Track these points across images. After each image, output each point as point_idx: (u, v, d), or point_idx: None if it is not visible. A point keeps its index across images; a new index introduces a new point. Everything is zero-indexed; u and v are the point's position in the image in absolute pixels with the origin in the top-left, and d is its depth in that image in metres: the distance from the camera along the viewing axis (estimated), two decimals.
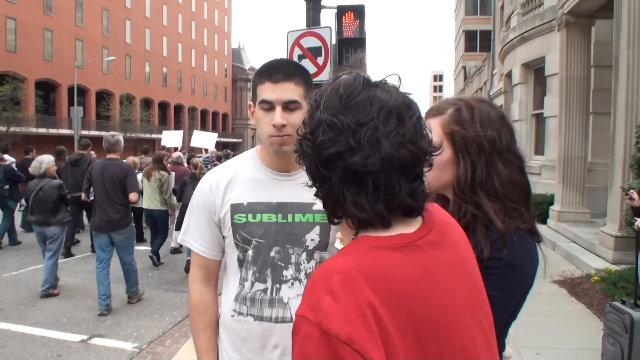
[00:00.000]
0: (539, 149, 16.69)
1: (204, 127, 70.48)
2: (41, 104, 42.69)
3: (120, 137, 7.41)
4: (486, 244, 1.53)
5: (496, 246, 1.54)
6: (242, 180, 2.02)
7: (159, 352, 5.65)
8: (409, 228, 1.10)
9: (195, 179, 9.00)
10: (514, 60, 18.05)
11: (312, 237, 1.99)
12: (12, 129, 35.49)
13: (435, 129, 1.64)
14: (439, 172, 1.63)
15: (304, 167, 1.15)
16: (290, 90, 1.88)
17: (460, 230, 1.25)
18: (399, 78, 1.15)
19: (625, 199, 6.43)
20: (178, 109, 68.00)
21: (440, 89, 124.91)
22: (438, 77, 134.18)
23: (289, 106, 1.87)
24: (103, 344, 5.81)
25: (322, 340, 0.91)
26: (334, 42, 7.48)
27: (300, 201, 1.99)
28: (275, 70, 1.89)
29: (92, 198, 7.40)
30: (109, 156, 7.17)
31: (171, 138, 18.29)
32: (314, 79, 6.80)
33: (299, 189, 1.97)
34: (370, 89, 1.08)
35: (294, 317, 1.89)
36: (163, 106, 65.03)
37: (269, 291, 1.97)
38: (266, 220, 1.97)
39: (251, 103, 1.98)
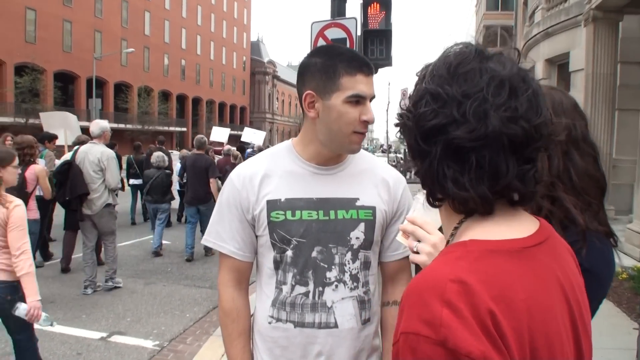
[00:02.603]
0: None
1: (221, 121, 70.59)
2: (60, 96, 42.87)
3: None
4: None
5: (574, 249, 1.41)
6: (278, 175, 1.86)
7: (180, 349, 5.54)
8: (519, 225, 0.98)
9: (233, 168, 9.52)
10: (537, 55, 17.74)
11: (357, 235, 1.85)
12: (30, 120, 35.63)
13: None
14: None
15: (405, 143, 1.04)
16: (373, 85, 1.77)
17: (565, 243, 1.11)
18: (518, 52, 1.03)
19: None
20: (196, 101, 68.02)
21: None
22: None
23: (371, 101, 1.77)
24: (123, 342, 5.71)
25: (450, 359, 0.79)
26: (359, 33, 7.32)
27: (343, 196, 1.85)
28: (364, 62, 1.76)
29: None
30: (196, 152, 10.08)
31: (219, 134, 20.00)
32: None
33: (340, 184, 1.87)
34: (482, 59, 0.96)
35: (338, 323, 1.80)
36: (181, 99, 65.06)
37: (310, 295, 1.82)
38: (306, 217, 1.81)
39: (312, 92, 1.76)
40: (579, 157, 1.57)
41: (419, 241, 1.47)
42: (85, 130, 9.21)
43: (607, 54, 11.79)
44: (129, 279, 8.02)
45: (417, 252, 1.47)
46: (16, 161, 4.13)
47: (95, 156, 7.25)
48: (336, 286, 1.83)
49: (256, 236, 1.89)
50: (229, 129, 21.78)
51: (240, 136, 21.11)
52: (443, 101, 0.94)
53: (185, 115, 65.11)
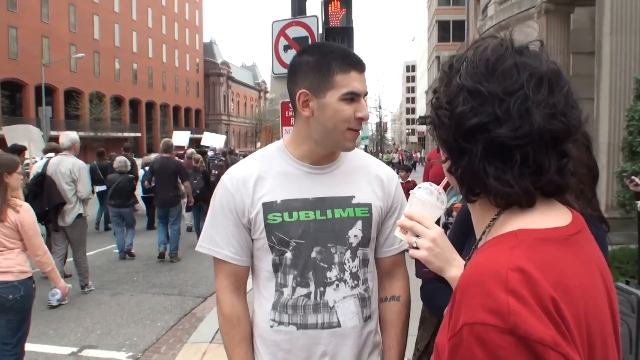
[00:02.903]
0: None
1: (176, 124, 69.84)
2: (7, 105, 41.74)
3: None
4: None
5: None
6: (272, 176, 1.83)
7: (155, 359, 5.42)
8: (556, 215, 0.99)
9: (197, 171, 11.39)
10: None
11: (355, 233, 1.84)
12: None
13: None
14: None
15: (438, 139, 1.02)
16: (365, 82, 1.77)
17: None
18: (542, 43, 1.02)
19: (627, 184, 6.39)
20: (150, 106, 67.02)
21: (413, 79, 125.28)
22: (410, 68, 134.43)
23: (364, 98, 1.76)
24: (95, 355, 5.53)
25: (521, 347, 0.78)
26: (320, 31, 7.29)
27: (339, 195, 1.84)
28: (357, 59, 1.75)
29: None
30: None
31: (180, 137, 20.11)
32: None
33: (335, 182, 1.85)
34: (518, 55, 0.96)
35: (341, 322, 1.78)
36: (134, 103, 63.99)
37: (312, 295, 1.80)
38: (304, 218, 1.79)
39: (306, 91, 1.73)
40: (572, 145, 1.59)
41: (417, 236, 1.47)
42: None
43: (559, 45, 12.10)
44: (95, 290, 7.80)
45: (416, 248, 1.46)
46: (20, 168, 4.29)
47: (67, 168, 7.41)
48: (337, 285, 1.82)
49: (252, 240, 1.85)
50: (190, 133, 22.18)
51: (198, 139, 21.47)
52: (483, 98, 0.93)
53: (139, 120, 64.10)
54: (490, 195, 0.97)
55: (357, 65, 1.73)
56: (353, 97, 1.70)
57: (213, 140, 20.32)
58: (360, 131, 1.80)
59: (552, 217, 0.97)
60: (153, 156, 14.44)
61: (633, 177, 5.71)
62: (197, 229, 11.81)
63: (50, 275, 4.35)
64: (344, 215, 1.83)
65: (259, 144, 48.95)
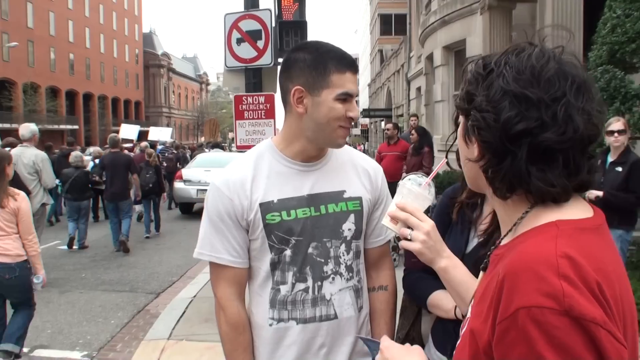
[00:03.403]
0: None
1: (115, 116, 68.18)
2: None
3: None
4: None
5: None
6: (265, 176, 1.85)
7: (111, 358, 5.32)
8: (586, 209, 1.06)
9: (149, 165, 11.85)
10: (435, 43, 18.38)
11: (349, 227, 1.90)
12: None
13: None
14: None
15: (477, 140, 1.05)
16: (357, 83, 1.80)
17: None
18: (563, 48, 1.07)
19: None
20: (87, 97, 65.00)
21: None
22: None
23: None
24: (48, 355, 5.39)
25: (576, 326, 0.84)
26: (274, 25, 7.26)
27: (331, 190, 1.89)
28: (352, 61, 1.80)
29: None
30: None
31: (129, 131, 20.42)
32: (254, 63, 6.53)
33: (326, 178, 1.90)
34: (558, 62, 1.01)
35: (337, 314, 1.84)
36: (71, 95, 61.92)
37: (310, 290, 1.84)
38: (302, 215, 1.83)
39: (301, 88, 1.76)
40: None
41: (410, 228, 1.51)
42: None
43: (502, 41, 12.38)
44: (41, 288, 7.55)
45: (409, 240, 1.51)
46: (13, 159, 4.93)
47: (30, 159, 7.68)
48: (333, 279, 1.86)
49: (249, 240, 1.86)
50: (139, 126, 22.18)
51: (140, 132, 21.34)
52: (531, 104, 0.98)
53: (76, 112, 62.07)
54: (531, 193, 1.03)
55: (352, 67, 1.78)
56: (346, 98, 1.75)
57: (160, 134, 20.44)
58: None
59: (581, 209, 1.04)
60: (92, 149, 14.37)
61: None
62: (148, 224, 12.09)
63: (34, 260, 4.80)
64: (337, 210, 1.87)
65: (202, 138, 48.36)
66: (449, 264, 1.56)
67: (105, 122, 64.40)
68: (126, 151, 11.81)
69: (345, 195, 1.89)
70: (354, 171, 1.96)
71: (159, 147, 16.80)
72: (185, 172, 15.42)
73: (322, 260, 1.85)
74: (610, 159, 5.56)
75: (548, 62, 1.00)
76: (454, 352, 1.14)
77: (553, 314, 0.84)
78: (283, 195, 1.82)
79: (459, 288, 1.57)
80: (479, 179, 1.12)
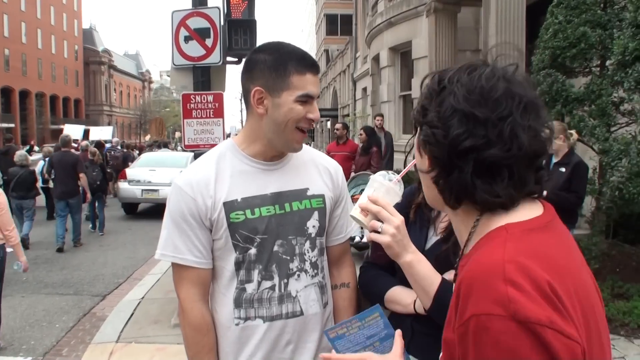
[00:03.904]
0: (407, 129, 17.38)
1: (53, 115, 66.09)
2: None
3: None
4: None
5: None
6: (229, 175, 1.85)
7: None
8: (535, 209, 1.10)
9: (94, 164, 12.35)
10: (381, 44, 18.60)
11: (313, 224, 1.92)
12: None
13: None
14: None
15: (430, 154, 1.10)
16: (319, 84, 1.83)
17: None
18: (517, 66, 1.12)
19: None
20: (24, 94, 62.67)
21: None
22: None
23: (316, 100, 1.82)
24: None
25: (522, 330, 0.88)
26: (222, 23, 7.20)
27: (294, 188, 1.91)
28: (312, 62, 1.81)
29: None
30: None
31: (73, 130, 20.68)
32: (202, 62, 6.48)
33: (289, 176, 1.92)
34: (507, 82, 1.06)
35: (303, 311, 1.87)
36: (6, 92, 59.54)
37: (277, 287, 1.85)
38: (266, 214, 1.84)
39: (261, 89, 1.77)
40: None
41: (381, 222, 1.54)
42: None
43: (447, 43, 12.65)
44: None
45: (378, 232, 1.54)
46: None
47: None
48: (298, 276, 1.88)
49: (212, 240, 1.85)
50: (84, 126, 22.50)
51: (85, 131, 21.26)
52: (478, 122, 1.03)
53: (12, 110, 59.82)
54: (477, 204, 1.08)
55: (313, 68, 1.79)
56: (307, 100, 1.76)
57: (101, 134, 20.42)
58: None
59: (530, 209, 1.09)
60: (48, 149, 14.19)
61: None
62: (93, 219, 12.51)
63: (16, 249, 5.47)
64: (301, 208, 1.89)
65: (147, 137, 47.48)
66: (414, 258, 1.60)
67: (43, 120, 62.34)
68: (72, 151, 11.65)
69: (309, 193, 1.92)
70: (315, 170, 1.99)
71: (107, 145, 16.71)
72: (130, 171, 15.07)
73: (288, 258, 1.86)
74: (554, 159, 5.78)
75: (497, 83, 1.05)
76: None
77: (500, 319, 0.89)
78: (247, 194, 1.83)
79: (423, 282, 1.61)
80: (431, 189, 1.17)
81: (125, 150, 17.46)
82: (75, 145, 14.66)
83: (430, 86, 1.13)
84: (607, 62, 6.91)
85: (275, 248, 1.84)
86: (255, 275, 1.84)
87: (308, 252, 1.90)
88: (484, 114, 1.02)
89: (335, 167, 2.07)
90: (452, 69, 1.13)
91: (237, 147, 1.89)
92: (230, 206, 1.80)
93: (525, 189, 1.07)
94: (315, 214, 1.92)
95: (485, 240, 1.06)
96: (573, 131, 5.96)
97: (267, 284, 1.84)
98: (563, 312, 0.91)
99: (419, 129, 1.18)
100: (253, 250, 1.83)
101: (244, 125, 1.93)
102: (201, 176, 1.83)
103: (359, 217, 1.58)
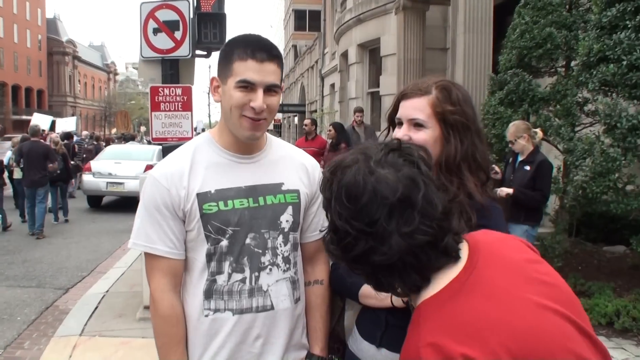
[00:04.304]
0: (375, 126, 17.46)
1: (15, 105, 64.62)
2: None
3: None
4: (472, 212, 1.62)
5: (480, 214, 1.65)
6: (204, 167, 1.85)
7: (18, 356, 5.09)
8: (452, 269, 1.13)
9: (56, 153, 12.26)
10: (350, 40, 18.65)
11: (287, 218, 1.92)
12: None
13: (424, 109, 1.71)
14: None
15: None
16: (273, 74, 1.76)
17: (514, 242, 1.27)
18: (400, 144, 1.21)
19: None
20: None
21: None
22: None
23: (269, 89, 1.76)
24: None
25: None
26: (192, 16, 7.16)
27: (269, 182, 1.91)
28: (259, 48, 1.74)
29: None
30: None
31: (41, 121, 20.20)
32: (171, 54, 6.45)
33: (264, 170, 1.92)
34: (373, 181, 1.09)
35: (274, 305, 1.88)
36: None
37: (247, 280, 1.85)
38: (239, 206, 1.84)
39: (217, 78, 1.81)
40: (480, 142, 1.78)
41: None
42: None
43: (415, 41, 12.78)
44: None
45: None
46: None
47: None
48: (270, 270, 1.88)
49: (185, 231, 1.86)
50: (52, 117, 22.46)
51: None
52: (356, 233, 1.09)
53: None
54: (393, 293, 1.20)
55: (257, 55, 1.73)
56: (247, 86, 1.73)
57: (65, 125, 20.37)
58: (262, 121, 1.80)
59: (446, 274, 1.13)
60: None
61: (493, 165, 6.22)
62: (56, 211, 12.58)
63: None
64: (275, 202, 1.89)
65: (113, 130, 46.70)
66: None
67: (4, 110, 60.80)
68: (42, 141, 12.15)
69: (284, 188, 1.92)
70: (292, 165, 1.99)
71: (76, 138, 16.75)
72: (94, 164, 14.84)
73: (260, 251, 1.86)
74: (520, 158, 5.92)
75: (361, 188, 1.09)
76: None
77: None
78: (221, 186, 1.83)
79: None
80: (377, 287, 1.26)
81: (96, 142, 17.43)
82: (44, 135, 14.67)
83: (330, 191, 1.18)
84: (572, 63, 7.08)
85: (247, 241, 1.85)
86: (226, 267, 1.84)
87: (281, 247, 1.90)
88: (357, 226, 1.08)
89: (312, 165, 2.07)
90: (339, 167, 1.18)
91: (213, 139, 1.91)
92: (203, 197, 1.81)
93: (427, 270, 1.12)
94: (289, 209, 1.92)
95: (410, 322, 1.13)
96: (538, 129, 6.09)
97: (237, 276, 1.84)
98: None
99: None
100: (225, 242, 1.83)
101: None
102: (176, 168, 1.84)
103: None
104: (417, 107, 1.72)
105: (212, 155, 1.88)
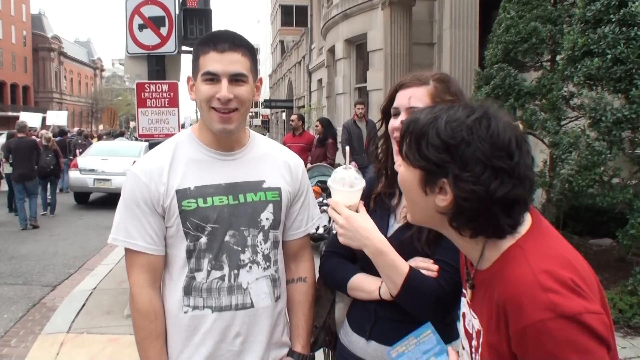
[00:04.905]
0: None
1: (1, 101, 63.99)
2: None
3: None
4: None
5: None
6: (184, 163, 1.86)
7: (5, 353, 5.07)
8: (527, 215, 1.27)
9: (47, 149, 12.94)
10: (336, 36, 18.63)
11: (267, 216, 1.92)
12: None
13: (423, 98, 1.73)
14: None
15: (455, 199, 1.20)
16: (237, 62, 1.77)
17: None
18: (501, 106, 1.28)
19: None
20: None
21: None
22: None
23: (236, 79, 1.76)
24: None
25: (570, 323, 1.07)
26: (178, 12, 7.13)
27: (250, 180, 1.91)
28: (221, 40, 1.77)
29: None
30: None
31: (30, 118, 21.13)
32: (157, 51, 6.42)
33: (245, 168, 1.92)
34: (512, 131, 1.22)
35: (254, 303, 1.88)
36: None
37: (226, 278, 1.86)
38: (218, 203, 1.84)
39: (190, 77, 1.84)
40: None
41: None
42: None
43: (402, 36, 12.80)
44: None
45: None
46: None
47: None
48: (250, 267, 1.88)
49: (165, 227, 1.86)
50: (42, 114, 23.24)
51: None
52: (505, 173, 1.17)
53: None
54: (493, 234, 1.24)
55: (217, 46, 1.75)
56: (213, 78, 1.75)
57: (57, 118, 21.06)
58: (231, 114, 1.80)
59: (526, 219, 1.27)
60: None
61: None
62: (45, 201, 13.09)
63: None
64: (255, 199, 1.89)
65: (101, 126, 46.43)
66: (377, 249, 1.68)
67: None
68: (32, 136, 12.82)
69: (265, 186, 1.92)
70: (274, 163, 1.99)
71: (70, 134, 17.30)
72: (81, 160, 14.79)
73: (239, 249, 1.86)
74: None
75: (510, 135, 1.20)
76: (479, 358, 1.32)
77: (552, 321, 1.07)
78: (200, 183, 1.84)
79: (389, 271, 1.68)
80: (431, 219, 1.30)
81: (84, 140, 17.84)
82: (35, 133, 15.19)
83: (444, 140, 1.20)
84: (558, 57, 7.11)
85: (227, 238, 1.85)
86: (205, 264, 1.84)
87: (261, 244, 1.90)
88: (509, 164, 1.17)
89: (295, 162, 2.07)
90: (456, 119, 1.22)
91: (194, 135, 1.91)
92: (182, 194, 1.81)
93: (524, 212, 1.24)
94: (270, 207, 1.92)
95: (505, 260, 1.23)
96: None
97: (216, 273, 1.85)
98: (587, 296, 1.11)
99: (416, 170, 1.26)
100: (204, 239, 1.83)
101: None
102: (156, 164, 1.85)
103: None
104: (416, 96, 1.75)
105: (192, 151, 1.88)
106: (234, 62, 1.76)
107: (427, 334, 1.58)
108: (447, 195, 1.21)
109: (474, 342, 1.36)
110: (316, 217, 2.13)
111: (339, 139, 10.84)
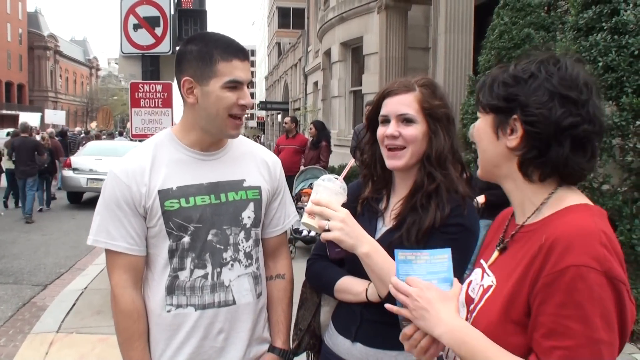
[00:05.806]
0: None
1: None
2: None
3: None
4: (448, 206, 1.72)
5: (456, 213, 1.74)
6: (165, 164, 1.87)
7: None
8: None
9: (44, 148, 13.66)
10: (333, 39, 18.69)
11: (248, 215, 1.95)
12: None
13: (411, 104, 1.76)
14: (417, 145, 1.77)
15: (525, 132, 1.26)
16: (250, 71, 1.85)
17: None
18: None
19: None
20: None
21: (253, 64, 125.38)
22: (250, 53, 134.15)
23: (249, 87, 1.84)
24: None
25: (610, 284, 1.12)
26: (173, 12, 7.14)
27: (231, 179, 1.94)
28: (239, 49, 1.83)
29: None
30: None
31: (29, 118, 22.00)
32: (151, 51, 6.41)
33: (226, 167, 1.95)
34: (582, 72, 1.28)
35: (236, 300, 1.92)
36: None
37: (209, 276, 1.88)
38: (200, 203, 1.87)
39: (190, 79, 1.81)
40: (455, 137, 1.86)
41: (328, 220, 1.63)
42: None
43: (397, 40, 12.87)
44: None
45: (327, 230, 1.63)
46: None
47: None
48: (232, 265, 1.91)
49: (147, 228, 1.87)
50: (40, 113, 23.49)
51: (15, 116, 22.15)
52: (573, 103, 1.23)
53: None
54: (564, 177, 1.29)
55: (239, 54, 1.81)
56: (236, 85, 1.79)
57: (55, 117, 21.57)
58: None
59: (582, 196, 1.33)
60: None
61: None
62: (41, 198, 13.75)
63: None
64: (237, 198, 1.92)
65: (94, 125, 46.44)
66: (370, 249, 1.68)
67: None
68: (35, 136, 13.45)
69: (245, 184, 1.95)
70: (253, 162, 2.02)
71: (70, 134, 17.85)
72: (75, 159, 14.71)
73: (222, 247, 1.89)
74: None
75: (579, 72, 1.26)
76: (476, 314, 1.34)
77: (596, 273, 1.11)
78: (182, 183, 1.85)
79: (380, 272, 1.68)
80: (498, 167, 1.36)
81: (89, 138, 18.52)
82: (35, 132, 15.80)
83: (514, 75, 1.29)
84: None
85: (210, 237, 1.87)
86: (188, 263, 1.86)
87: (242, 242, 1.93)
88: (577, 96, 1.22)
89: (273, 161, 2.11)
90: (526, 61, 1.31)
91: (174, 136, 1.92)
92: (165, 194, 1.82)
93: (593, 161, 1.28)
94: (251, 205, 1.95)
95: (568, 211, 1.26)
96: None
97: (199, 272, 1.87)
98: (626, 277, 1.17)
99: (487, 116, 1.35)
100: (187, 239, 1.85)
101: (182, 116, 1.95)
102: (137, 165, 1.85)
103: (309, 222, 1.66)
104: (405, 103, 1.77)
105: (173, 152, 1.89)
106: (249, 70, 1.86)
107: (443, 257, 1.47)
108: (518, 133, 1.27)
109: (471, 307, 1.39)
110: (292, 215, 2.17)
111: (333, 142, 10.83)
